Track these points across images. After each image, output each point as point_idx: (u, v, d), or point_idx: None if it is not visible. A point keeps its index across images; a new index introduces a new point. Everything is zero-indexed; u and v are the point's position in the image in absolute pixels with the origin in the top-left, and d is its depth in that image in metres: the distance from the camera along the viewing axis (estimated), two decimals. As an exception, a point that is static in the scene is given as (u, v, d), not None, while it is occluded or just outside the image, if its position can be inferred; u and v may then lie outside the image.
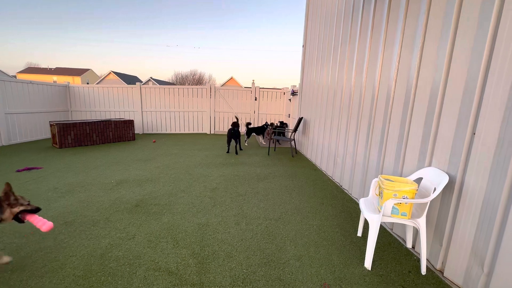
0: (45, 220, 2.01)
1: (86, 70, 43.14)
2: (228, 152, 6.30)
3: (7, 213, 1.89)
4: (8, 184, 1.90)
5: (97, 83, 32.00)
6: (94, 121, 6.98)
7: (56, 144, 6.42)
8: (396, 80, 2.64)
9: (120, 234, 2.42)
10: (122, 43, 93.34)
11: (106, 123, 7.18)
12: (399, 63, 2.60)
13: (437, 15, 2.11)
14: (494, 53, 1.64)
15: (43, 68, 44.55)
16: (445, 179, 1.86)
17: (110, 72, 38.40)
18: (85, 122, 6.79)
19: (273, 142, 7.23)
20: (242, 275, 1.92)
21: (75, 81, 39.18)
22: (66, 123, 6.44)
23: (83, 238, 2.35)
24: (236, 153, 6.22)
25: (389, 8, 2.80)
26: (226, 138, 6.45)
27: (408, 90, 2.44)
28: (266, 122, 7.88)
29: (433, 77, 2.12)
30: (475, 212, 1.75)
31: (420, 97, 2.28)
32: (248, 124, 7.47)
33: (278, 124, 7.77)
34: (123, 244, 2.26)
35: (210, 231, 2.53)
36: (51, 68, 43.39)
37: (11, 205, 1.90)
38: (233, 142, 6.36)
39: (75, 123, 6.60)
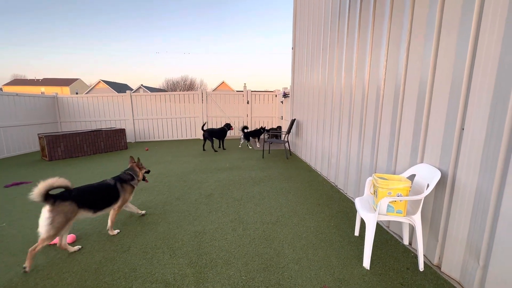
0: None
1: (75, 79, 42.42)
2: (204, 150, 7.19)
3: (140, 175, 2.80)
4: (132, 158, 2.84)
5: (86, 93, 31.58)
6: (85, 132, 6.85)
7: (46, 157, 6.27)
8: (385, 78, 2.68)
9: (115, 247, 2.36)
10: (111, 51, 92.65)
11: (97, 133, 7.05)
12: (387, 62, 2.64)
13: (421, 11, 2.16)
14: (479, 45, 1.67)
15: (30, 79, 43.67)
16: (437, 175, 1.89)
17: (99, 81, 37.93)
18: (75, 133, 6.65)
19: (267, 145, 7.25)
20: (241, 282, 1.89)
21: (63, 92, 38.51)
22: (55, 135, 6.31)
23: (76, 253, 2.28)
24: (223, 148, 7.43)
25: (374, 7, 2.85)
26: (218, 143, 7.62)
27: (397, 88, 2.48)
28: (262, 126, 7.94)
29: (421, 74, 2.16)
30: (468, 207, 1.77)
31: (409, 95, 2.32)
32: (244, 128, 7.52)
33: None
34: (118, 257, 2.21)
35: (207, 238, 2.49)
36: (38, 79, 42.55)
37: (140, 169, 2.82)
38: (219, 141, 7.49)
39: (65, 134, 6.46)
